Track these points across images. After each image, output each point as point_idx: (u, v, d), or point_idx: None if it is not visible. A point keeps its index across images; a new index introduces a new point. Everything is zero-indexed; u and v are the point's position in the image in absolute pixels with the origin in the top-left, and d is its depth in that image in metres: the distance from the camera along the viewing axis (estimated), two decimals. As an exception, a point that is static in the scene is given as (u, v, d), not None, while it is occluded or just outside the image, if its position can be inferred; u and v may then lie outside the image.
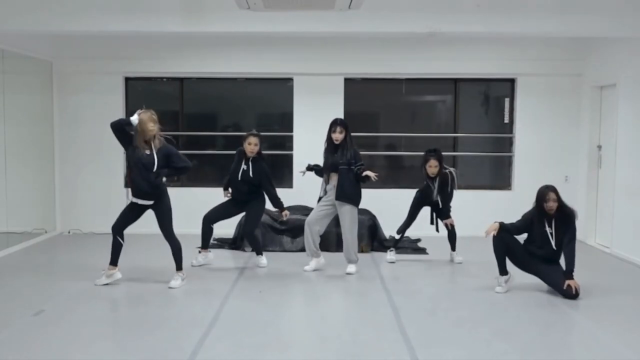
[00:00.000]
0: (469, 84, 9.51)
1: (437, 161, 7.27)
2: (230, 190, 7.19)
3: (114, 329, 5.19)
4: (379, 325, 5.15)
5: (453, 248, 7.59)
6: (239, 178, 7.01)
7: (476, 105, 9.72)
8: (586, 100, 8.95)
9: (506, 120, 9.46)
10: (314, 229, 6.86)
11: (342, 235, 6.97)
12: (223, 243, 8.40)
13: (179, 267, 6.29)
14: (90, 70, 9.17)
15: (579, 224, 8.91)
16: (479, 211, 8.85)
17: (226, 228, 8.05)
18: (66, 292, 5.96)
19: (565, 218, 5.99)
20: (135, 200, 6.12)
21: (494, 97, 9.76)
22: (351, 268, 6.91)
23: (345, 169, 6.67)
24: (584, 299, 5.95)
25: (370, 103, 9.81)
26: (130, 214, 6.22)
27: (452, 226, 7.50)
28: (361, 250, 8.09)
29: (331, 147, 6.79)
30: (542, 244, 6.06)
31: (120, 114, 9.30)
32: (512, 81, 9.36)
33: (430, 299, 6.06)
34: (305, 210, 8.26)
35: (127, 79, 9.39)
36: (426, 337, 4.86)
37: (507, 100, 9.45)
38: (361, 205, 8.44)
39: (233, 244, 8.34)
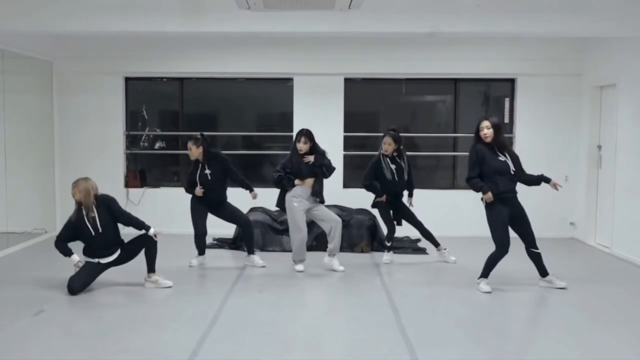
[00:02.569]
0: (469, 84, 9.51)
1: (391, 139, 7.19)
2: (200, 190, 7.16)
3: (114, 328, 5.18)
4: (379, 325, 5.15)
5: (436, 244, 7.48)
6: (209, 179, 7.03)
7: (476, 105, 9.71)
8: (586, 100, 8.95)
9: (506, 120, 9.45)
10: (305, 241, 6.98)
11: (332, 227, 6.90)
12: (223, 243, 8.39)
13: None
14: (90, 70, 9.17)
15: (578, 223, 9.01)
16: (478, 211, 8.79)
17: (227, 228, 8.04)
18: (66, 292, 5.95)
19: (508, 149, 6.19)
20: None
21: (494, 97, 9.76)
22: (339, 265, 6.96)
23: (318, 171, 6.86)
24: (584, 299, 5.95)
25: (370, 103, 9.81)
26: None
27: (418, 221, 7.42)
28: (361, 250, 8.11)
29: (295, 156, 6.89)
30: (502, 172, 6.05)
31: (120, 114, 9.33)
32: (512, 81, 9.36)
33: (430, 299, 6.06)
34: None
35: (127, 79, 9.40)
36: (426, 337, 4.86)
37: (507, 100, 9.46)
38: (361, 205, 8.49)
39: (233, 244, 8.33)
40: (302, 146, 6.84)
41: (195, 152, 7.06)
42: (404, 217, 7.45)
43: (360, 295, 6.19)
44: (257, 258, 7.26)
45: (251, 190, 7.22)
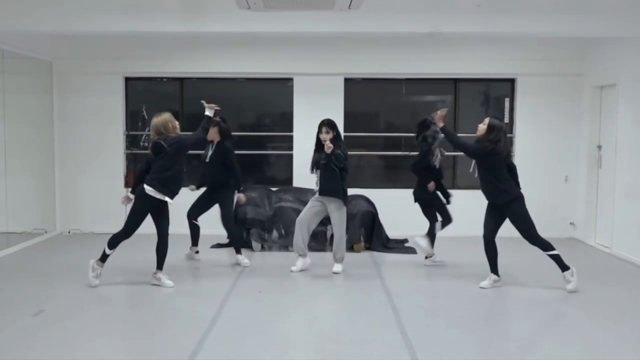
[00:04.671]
0: (469, 84, 9.51)
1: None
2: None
3: (114, 329, 5.19)
4: (379, 325, 5.16)
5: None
6: (207, 160, 7.21)
7: (476, 105, 9.72)
8: (586, 100, 8.95)
9: (506, 120, 9.45)
10: (303, 227, 6.86)
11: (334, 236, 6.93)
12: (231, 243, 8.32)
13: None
14: (90, 70, 9.17)
15: (578, 223, 9.01)
16: (479, 211, 8.81)
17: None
18: (66, 292, 5.96)
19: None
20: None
21: (494, 97, 9.76)
22: (338, 267, 6.92)
23: (324, 164, 6.65)
24: (584, 299, 5.95)
25: (370, 103, 9.81)
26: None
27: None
28: (358, 250, 8.07)
29: (319, 147, 6.80)
30: None
31: (120, 114, 9.33)
32: (512, 81, 9.37)
33: (430, 299, 6.06)
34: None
35: (127, 79, 9.39)
36: (426, 337, 4.87)
37: (507, 100, 9.46)
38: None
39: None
40: (324, 136, 6.69)
41: (211, 132, 7.02)
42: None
43: (360, 295, 6.19)
44: (242, 257, 7.27)
45: (239, 191, 7.23)
